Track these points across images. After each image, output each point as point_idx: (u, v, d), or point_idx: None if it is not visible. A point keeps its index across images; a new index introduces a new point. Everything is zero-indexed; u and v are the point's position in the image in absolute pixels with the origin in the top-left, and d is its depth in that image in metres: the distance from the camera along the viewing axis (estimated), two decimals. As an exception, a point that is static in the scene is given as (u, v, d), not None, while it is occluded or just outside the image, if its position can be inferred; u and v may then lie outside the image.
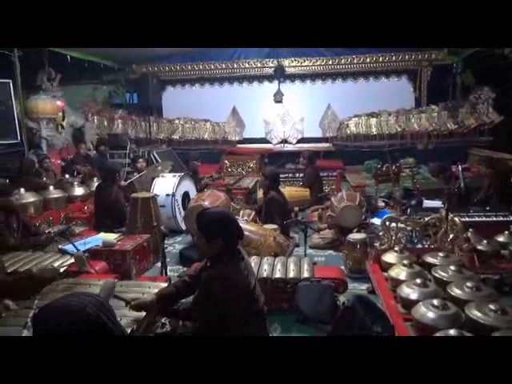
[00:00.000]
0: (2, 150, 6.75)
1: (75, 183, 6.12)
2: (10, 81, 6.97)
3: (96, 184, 5.79)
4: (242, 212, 4.92)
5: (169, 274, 3.83)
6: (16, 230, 4.03)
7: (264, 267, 3.43)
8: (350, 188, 6.32)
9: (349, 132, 9.95)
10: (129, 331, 2.28)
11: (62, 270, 3.44)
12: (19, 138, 7.17)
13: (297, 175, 7.49)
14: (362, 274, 3.87)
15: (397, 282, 2.87)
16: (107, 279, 2.66)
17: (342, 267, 4.03)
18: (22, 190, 5.12)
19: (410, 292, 2.62)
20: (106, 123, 9.99)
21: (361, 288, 3.74)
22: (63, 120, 8.07)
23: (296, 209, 5.52)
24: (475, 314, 2.20)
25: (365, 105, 9.75)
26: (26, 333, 2.07)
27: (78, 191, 6.03)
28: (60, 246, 3.88)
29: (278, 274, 3.35)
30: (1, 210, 3.95)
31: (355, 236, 4.24)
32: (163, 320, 2.68)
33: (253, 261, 3.49)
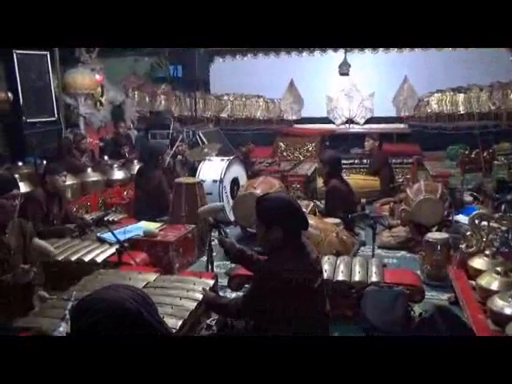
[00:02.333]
0: (39, 128, 7.13)
1: (115, 166, 6.39)
2: (48, 53, 7.33)
3: (137, 167, 6.00)
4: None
5: (215, 270, 3.92)
6: (56, 216, 4.24)
7: (324, 267, 3.41)
8: (430, 178, 6.14)
9: (429, 110, 9.61)
10: (179, 323, 2.42)
11: (100, 260, 3.64)
12: (56, 115, 7.57)
13: (364, 161, 7.33)
14: (442, 282, 3.80)
15: (487, 293, 2.77)
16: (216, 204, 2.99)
17: (418, 272, 3.95)
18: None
19: (505, 306, 2.51)
20: (147, 99, 10.33)
21: (441, 298, 3.65)
22: (102, 96, 8.41)
23: (363, 201, 5.43)
24: None
25: (450, 77, 9.31)
26: (63, 326, 2.21)
27: (118, 175, 6.30)
28: (98, 234, 4.08)
29: (340, 276, 3.32)
30: (45, 191, 4.15)
31: (435, 235, 4.12)
32: (208, 321, 2.77)
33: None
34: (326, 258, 3.60)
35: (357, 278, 3.32)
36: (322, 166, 5.07)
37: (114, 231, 3.75)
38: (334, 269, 3.43)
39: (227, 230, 5.37)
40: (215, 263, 3.99)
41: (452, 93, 9.49)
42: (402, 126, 9.57)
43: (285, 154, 8.53)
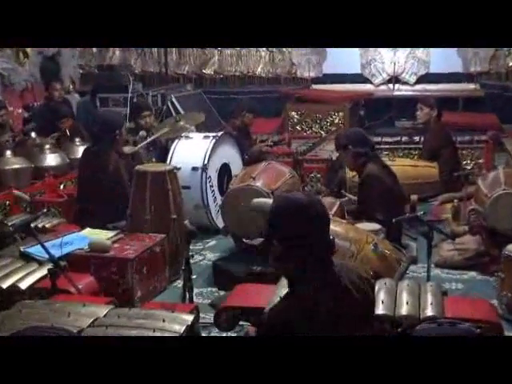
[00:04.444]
0: None
1: (47, 147, 6.37)
2: None
3: (82, 149, 5.97)
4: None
5: (195, 300, 3.93)
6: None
7: (356, 296, 3.42)
8: (512, 163, 6.15)
9: (511, 64, 9.63)
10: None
11: (24, 286, 3.64)
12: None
13: (416, 139, 7.32)
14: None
15: None
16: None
17: (494, 302, 3.96)
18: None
19: None
20: (94, 48, 10.29)
21: (527, 340, 3.66)
22: (27, 43, 8.40)
23: (414, 197, 5.42)
24: None
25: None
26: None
27: (51, 160, 6.26)
28: (22, 248, 4.07)
29: (380, 309, 3.32)
30: None
31: (520, 248, 4.11)
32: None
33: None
34: (358, 281, 3.60)
35: (404, 311, 3.31)
36: (343, 154, 5.05)
37: (46, 243, 3.74)
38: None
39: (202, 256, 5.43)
40: (195, 290, 3.99)
41: (546, 37, 9.51)
42: (471, 86, 9.57)
43: (299, 128, 8.54)
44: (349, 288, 2.25)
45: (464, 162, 7.00)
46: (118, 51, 10.45)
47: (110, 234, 4.45)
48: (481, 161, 7.10)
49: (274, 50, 10.38)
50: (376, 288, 3.53)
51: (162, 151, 6.24)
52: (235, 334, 3.54)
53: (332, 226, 4.00)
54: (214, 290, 4.50)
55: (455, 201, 5.65)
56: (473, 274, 4.69)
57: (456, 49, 9.76)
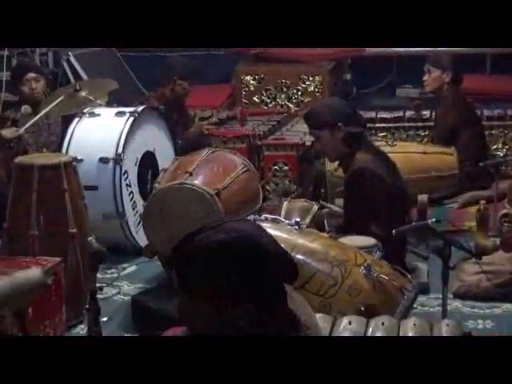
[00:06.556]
0: None
1: None
2: None
3: None
4: (286, 205, 4.93)
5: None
6: None
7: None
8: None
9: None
10: None
11: None
12: None
13: (424, 114, 7.41)
14: None
15: None
16: None
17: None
18: None
19: None
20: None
21: None
22: None
23: (423, 198, 5.48)
24: None
25: None
26: None
27: None
28: None
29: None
30: None
31: None
32: None
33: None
34: (345, 321, 3.61)
35: (410, 361, 3.34)
36: (328, 136, 4.88)
37: None
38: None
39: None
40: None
41: None
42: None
43: (256, 99, 8.57)
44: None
45: (493, 147, 7.13)
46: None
47: (-22, 257, 4.42)
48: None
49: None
50: (370, 329, 3.55)
51: (56, 135, 6.22)
52: None
53: (306, 242, 4.09)
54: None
55: (482, 202, 5.72)
56: (507, 306, 4.76)
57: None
